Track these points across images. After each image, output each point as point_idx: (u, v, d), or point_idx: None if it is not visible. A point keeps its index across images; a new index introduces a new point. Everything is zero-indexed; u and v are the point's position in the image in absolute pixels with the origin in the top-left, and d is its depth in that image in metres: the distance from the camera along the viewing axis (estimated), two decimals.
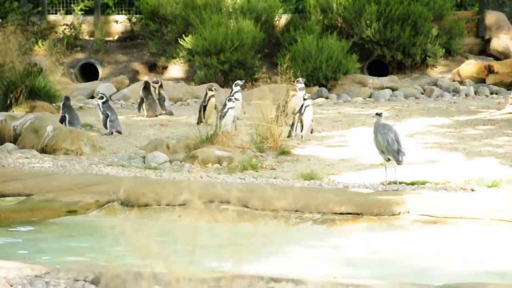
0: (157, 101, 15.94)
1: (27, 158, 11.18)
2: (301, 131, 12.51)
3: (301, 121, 12.49)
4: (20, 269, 5.45)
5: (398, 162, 8.88)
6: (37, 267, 5.51)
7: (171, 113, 16.02)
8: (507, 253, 7.18)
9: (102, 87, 18.80)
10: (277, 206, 7.96)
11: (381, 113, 9.22)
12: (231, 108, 12.92)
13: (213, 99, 14.32)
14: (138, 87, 17.56)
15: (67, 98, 13.69)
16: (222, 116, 12.70)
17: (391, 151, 8.85)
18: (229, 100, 13.08)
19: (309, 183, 9.51)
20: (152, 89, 15.99)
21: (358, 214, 7.93)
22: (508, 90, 18.93)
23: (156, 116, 15.67)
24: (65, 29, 22.08)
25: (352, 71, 19.72)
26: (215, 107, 14.15)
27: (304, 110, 12.47)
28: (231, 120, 12.90)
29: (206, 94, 14.46)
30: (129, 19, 22.73)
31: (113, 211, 8.25)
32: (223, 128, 11.85)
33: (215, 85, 15.25)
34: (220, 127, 11.85)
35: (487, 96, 18.90)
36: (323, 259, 6.97)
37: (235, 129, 12.85)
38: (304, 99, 12.66)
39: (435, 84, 19.76)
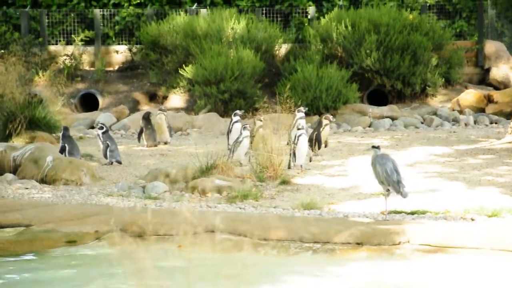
0: (167, 129, 16.00)
1: (26, 188, 11.16)
2: (294, 161, 12.42)
3: (294, 151, 12.40)
4: None
5: (399, 194, 8.83)
6: None
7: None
8: (508, 284, 7.14)
9: (102, 117, 18.85)
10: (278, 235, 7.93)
11: (378, 146, 9.21)
12: (246, 137, 12.72)
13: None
14: (138, 117, 17.60)
15: (66, 128, 13.68)
16: (237, 146, 12.60)
17: (391, 182, 8.83)
18: (245, 128, 12.87)
19: (309, 213, 9.50)
20: (163, 117, 16.01)
21: (358, 243, 7.91)
22: (507, 119, 18.95)
23: (156, 145, 15.69)
24: (65, 59, 22.15)
25: (352, 101, 19.75)
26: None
27: (297, 140, 12.38)
28: (244, 151, 12.75)
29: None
30: (130, 49, 22.83)
31: (112, 241, 8.22)
32: (235, 158, 11.78)
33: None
34: (233, 156, 11.83)
35: (486, 125, 18.93)
36: None
37: (249, 160, 12.65)
38: (298, 129, 12.57)
39: (435, 113, 19.80)
